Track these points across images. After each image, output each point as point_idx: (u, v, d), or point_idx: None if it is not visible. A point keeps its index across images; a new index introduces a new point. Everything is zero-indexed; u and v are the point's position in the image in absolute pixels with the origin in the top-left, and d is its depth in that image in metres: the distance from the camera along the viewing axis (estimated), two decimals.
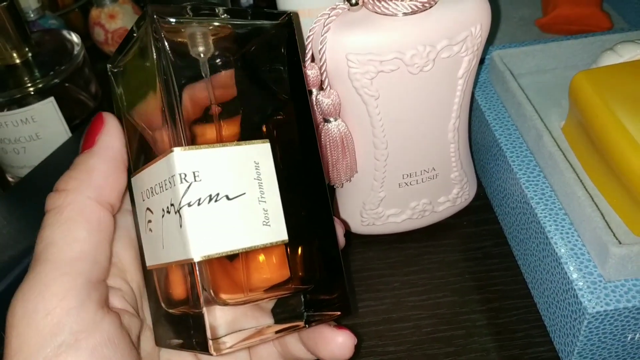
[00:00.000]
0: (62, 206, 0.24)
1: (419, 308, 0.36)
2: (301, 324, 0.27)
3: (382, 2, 0.30)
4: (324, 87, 0.32)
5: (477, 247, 0.39)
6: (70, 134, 0.44)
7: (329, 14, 0.30)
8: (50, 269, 0.22)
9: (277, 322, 0.29)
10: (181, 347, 0.26)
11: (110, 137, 0.26)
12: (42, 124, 0.42)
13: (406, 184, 0.36)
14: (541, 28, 0.52)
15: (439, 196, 0.38)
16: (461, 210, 0.40)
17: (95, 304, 0.23)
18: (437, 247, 0.39)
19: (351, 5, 0.30)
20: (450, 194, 0.38)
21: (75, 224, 0.23)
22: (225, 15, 0.26)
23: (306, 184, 0.28)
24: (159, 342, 0.27)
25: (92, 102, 0.47)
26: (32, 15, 0.54)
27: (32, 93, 0.42)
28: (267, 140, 0.26)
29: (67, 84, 0.44)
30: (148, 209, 0.26)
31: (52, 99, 0.42)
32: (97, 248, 0.24)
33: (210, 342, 0.23)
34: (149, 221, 0.26)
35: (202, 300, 0.23)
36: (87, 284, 0.23)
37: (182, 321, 0.25)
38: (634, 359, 0.31)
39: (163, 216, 0.24)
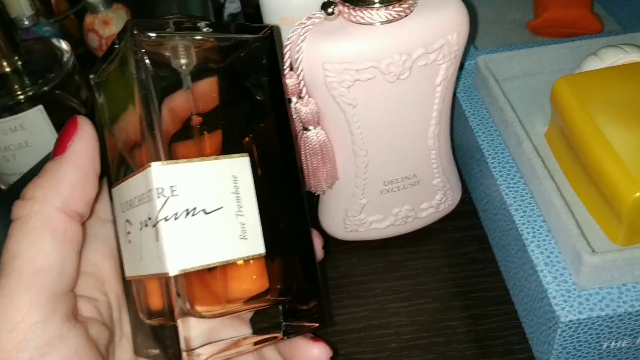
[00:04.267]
0: (28, 216, 0.23)
1: (400, 315, 0.36)
2: (279, 335, 0.28)
3: (358, 11, 0.30)
4: (302, 96, 0.32)
5: (461, 252, 0.39)
6: None
7: (305, 23, 0.31)
8: (13, 283, 0.22)
9: (255, 332, 0.29)
10: (158, 357, 0.26)
11: (82, 144, 0.25)
12: (31, 132, 0.43)
13: (388, 190, 0.36)
14: (532, 31, 0.52)
15: (422, 202, 0.38)
16: (446, 216, 0.40)
17: (61, 317, 0.23)
18: (421, 253, 0.39)
19: (327, 14, 0.31)
20: (433, 200, 0.38)
21: (41, 235, 0.23)
22: (208, 29, 0.27)
23: (285, 197, 0.28)
24: (137, 351, 0.27)
25: (83, 108, 0.47)
26: (26, 23, 0.55)
27: (23, 101, 0.43)
28: (246, 154, 0.26)
29: (57, 91, 0.45)
30: (127, 220, 0.26)
31: (40, 107, 0.43)
32: (63, 260, 0.23)
33: (184, 355, 0.24)
34: (128, 232, 0.26)
35: (176, 313, 0.23)
36: (52, 297, 0.23)
37: (159, 332, 0.26)
38: None
39: (141, 229, 0.25)
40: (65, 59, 0.45)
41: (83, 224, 0.25)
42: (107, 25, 0.58)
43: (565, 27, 0.50)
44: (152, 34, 0.25)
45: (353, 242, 0.40)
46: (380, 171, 0.35)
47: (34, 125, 0.43)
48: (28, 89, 0.43)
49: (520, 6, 0.55)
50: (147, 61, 0.25)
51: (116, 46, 0.26)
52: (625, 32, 0.44)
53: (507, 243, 0.35)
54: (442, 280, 0.37)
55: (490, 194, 0.37)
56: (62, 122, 0.45)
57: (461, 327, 0.35)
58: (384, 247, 0.40)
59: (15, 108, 0.43)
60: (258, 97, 0.29)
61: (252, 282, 0.28)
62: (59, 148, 0.25)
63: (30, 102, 0.43)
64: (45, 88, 0.43)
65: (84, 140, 0.25)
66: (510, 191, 0.34)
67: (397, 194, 0.37)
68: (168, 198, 0.24)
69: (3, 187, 0.47)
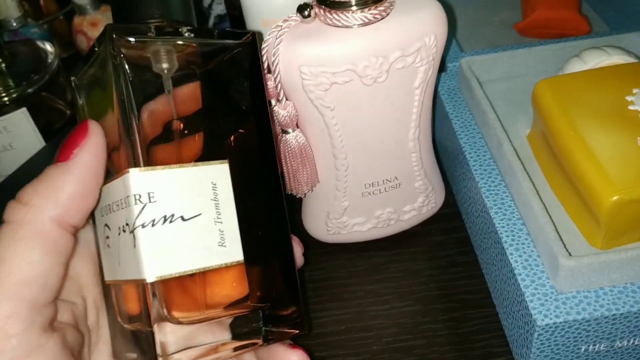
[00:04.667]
0: (20, 222, 0.22)
1: (382, 317, 0.36)
2: (259, 341, 0.28)
3: (334, 14, 0.30)
4: (280, 99, 0.32)
5: (444, 255, 0.39)
6: (44, 143, 0.44)
7: (282, 26, 0.31)
8: None
9: (234, 337, 0.29)
10: None
11: (89, 155, 0.24)
12: (15, 134, 0.43)
13: (369, 193, 0.36)
14: (519, 32, 0.52)
15: (404, 205, 0.38)
16: (430, 219, 0.40)
17: (40, 328, 0.22)
18: (404, 256, 0.39)
19: (303, 17, 0.30)
20: (416, 203, 0.38)
21: (30, 246, 0.22)
22: (189, 34, 0.26)
23: (265, 203, 0.28)
24: (117, 355, 0.27)
25: (68, 109, 0.47)
26: (14, 24, 0.55)
27: (7, 103, 0.43)
28: (226, 161, 0.26)
29: (43, 93, 0.45)
30: (106, 225, 0.26)
31: (24, 109, 0.43)
32: (49, 272, 0.23)
33: (160, 359, 0.24)
34: (107, 237, 0.26)
35: (152, 319, 0.23)
36: (33, 309, 0.22)
37: (137, 336, 0.26)
38: None
39: (119, 234, 0.25)
40: (49, 60, 0.45)
41: (74, 234, 0.25)
42: (95, 27, 0.57)
43: (553, 28, 0.50)
44: (132, 39, 0.25)
45: (336, 244, 0.40)
46: (361, 174, 0.35)
47: (18, 128, 0.43)
48: (12, 90, 0.43)
49: (508, 7, 0.55)
50: (126, 66, 0.24)
51: (96, 49, 0.26)
52: (612, 33, 0.43)
53: (488, 246, 0.35)
54: (424, 283, 0.37)
55: (472, 197, 0.37)
56: (47, 124, 0.45)
57: (442, 330, 0.35)
58: (367, 249, 0.39)
59: (1, 110, 0.43)
60: (240, 103, 0.29)
61: (232, 288, 0.28)
62: (65, 153, 0.24)
63: (15, 104, 0.43)
64: (30, 90, 0.44)
65: (92, 150, 0.24)
66: (490, 193, 0.34)
67: (378, 197, 0.37)
68: (146, 204, 0.24)
69: None
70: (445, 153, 0.43)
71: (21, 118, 0.43)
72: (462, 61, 0.41)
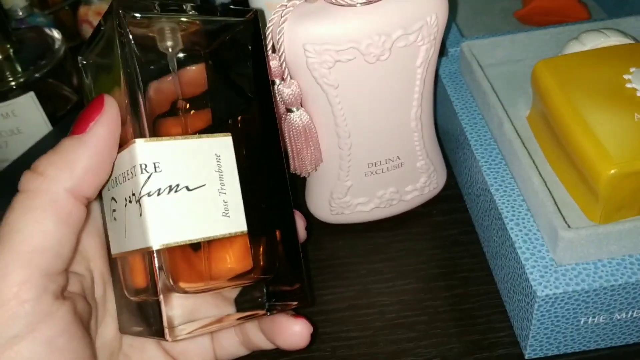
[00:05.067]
0: (35, 192, 0.23)
1: (385, 295, 0.36)
2: (261, 311, 0.28)
3: None
4: (285, 78, 0.33)
5: (445, 235, 0.39)
6: (51, 128, 0.45)
7: (287, 5, 0.31)
8: (9, 258, 0.22)
9: (239, 311, 0.30)
10: (142, 334, 0.26)
11: (104, 128, 0.24)
12: (22, 119, 0.43)
13: (372, 172, 0.37)
14: (520, 20, 0.52)
15: (406, 185, 0.39)
16: (431, 200, 0.41)
17: (52, 296, 0.23)
18: (406, 236, 0.40)
19: None
20: (418, 183, 0.39)
21: (44, 215, 0.23)
22: (193, 12, 0.27)
23: (268, 178, 0.29)
24: (123, 329, 0.28)
25: (74, 96, 0.48)
26: (20, 14, 0.55)
27: (15, 87, 0.44)
28: (229, 134, 0.27)
29: (49, 79, 0.46)
30: (113, 198, 0.27)
31: (31, 93, 0.43)
32: (62, 242, 0.23)
33: (166, 330, 0.24)
34: (114, 210, 0.27)
35: (159, 287, 0.24)
36: (46, 277, 0.23)
37: (143, 309, 0.26)
38: (590, 342, 0.32)
39: (126, 205, 0.25)
40: (56, 47, 0.46)
41: (87, 206, 0.25)
42: (100, 16, 0.58)
43: (553, 16, 0.50)
44: (138, 15, 0.26)
45: (339, 225, 0.40)
46: (364, 153, 0.36)
47: (25, 112, 0.44)
48: (19, 75, 0.43)
49: None
50: (132, 41, 0.25)
51: (102, 28, 0.26)
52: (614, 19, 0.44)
53: (489, 224, 0.35)
54: (426, 261, 0.38)
55: (473, 176, 0.37)
56: (54, 110, 0.46)
57: (444, 307, 0.35)
58: (370, 229, 0.40)
59: (7, 95, 0.43)
60: (243, 82, 0.29)
61: (236, 261, 0.28)
62: (80, 126, 0.24)
63: (22, 89, 0.44)
64: (37, 75, 0.44)
65: (108, 123, 0.25)
66: (491, 172, 0.35)
67: (381, 176, 0.37)
68: (151, 174, 0.24)
69: None
70: (447, 136, 0.43)
71: (28, 102, 0.43)
72: (463, 45, 0.42)
